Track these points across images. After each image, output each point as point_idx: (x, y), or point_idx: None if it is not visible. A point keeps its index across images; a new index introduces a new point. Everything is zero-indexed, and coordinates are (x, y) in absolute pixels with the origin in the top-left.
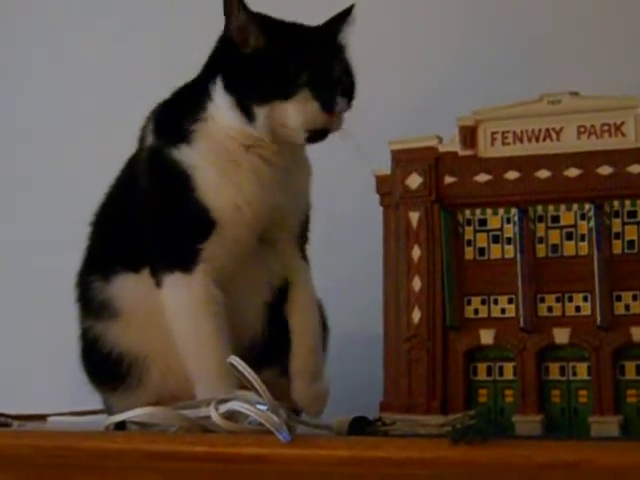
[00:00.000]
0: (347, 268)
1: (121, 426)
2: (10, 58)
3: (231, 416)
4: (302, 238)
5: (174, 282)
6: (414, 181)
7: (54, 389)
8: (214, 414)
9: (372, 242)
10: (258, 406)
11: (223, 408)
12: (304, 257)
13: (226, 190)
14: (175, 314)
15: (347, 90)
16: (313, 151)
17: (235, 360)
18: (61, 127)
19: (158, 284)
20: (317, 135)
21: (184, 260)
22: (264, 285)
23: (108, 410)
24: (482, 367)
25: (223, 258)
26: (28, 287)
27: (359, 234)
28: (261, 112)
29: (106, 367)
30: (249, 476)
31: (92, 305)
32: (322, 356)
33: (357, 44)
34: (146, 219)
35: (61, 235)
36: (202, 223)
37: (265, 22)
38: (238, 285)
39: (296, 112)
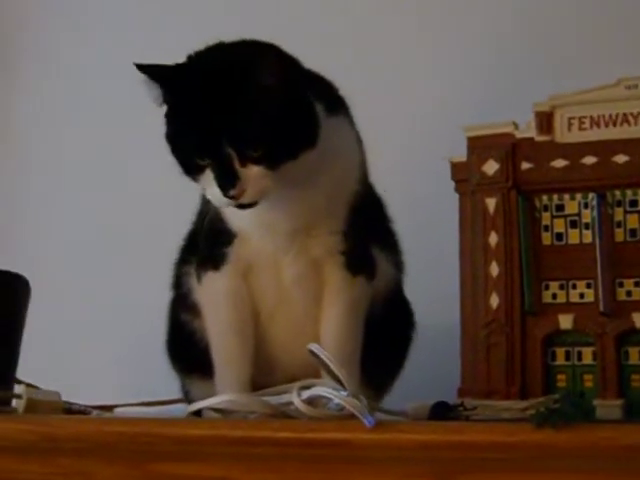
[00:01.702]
0: (420, 256)
1: (197, 414)
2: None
3: (311, 402)
4: (354, 234)
5: (207, 279)
6: (491, 167)
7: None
8: (297, 400)
9: (445, 229)
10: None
11: (305, 394)
12: (356, 260)
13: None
14: (204, 305)
15: (264, 153)
16: (386, 139)
17: (315, 347)
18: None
19: (198, 281)
20: (242, 206)
21: (215, 261)
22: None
23: (186, 396)
24: (560, 352)
25: (247, 259)
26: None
27: (432, 221)
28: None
29: (200, 359)
30: (332, 461)
31: (188, 300)
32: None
33: (433, 29)
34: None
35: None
36: (225, 233)
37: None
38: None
39: (208, 193)
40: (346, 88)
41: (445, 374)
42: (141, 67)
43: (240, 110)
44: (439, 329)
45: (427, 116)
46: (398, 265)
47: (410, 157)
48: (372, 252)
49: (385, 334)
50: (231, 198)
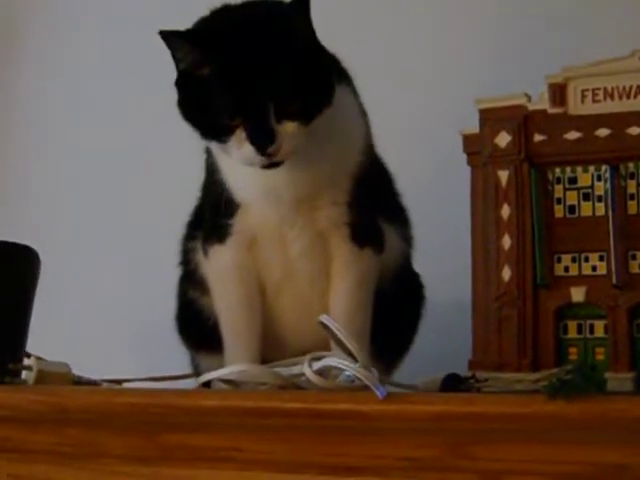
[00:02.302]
0: (432, 229)
1: (207, 387)
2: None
3: (321, 374)
4: (359, 204)
5: (213, 252)
6: (503, 139)
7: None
8: (308, 371)
9: (457, 202)
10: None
11: (317, 365)
12: (363, 229)
13: (243, 175)
14: (211, 279)
15: (301, 107)
16: (397, 111)
17: (326, 319)
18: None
19: (204, 255)
20: (271, 165)
21: (219, 233)
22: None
23: (196, 370)
24: (572, 325)
25: (252, 230)
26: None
27: (444, 194)
28: (216, 148)
29: (209, 335)
30: (344, 432)
31: (195, 276)
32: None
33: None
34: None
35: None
36: (228, 203)
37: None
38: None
39: (236, 154)
40: (356, 62)
41: (455, 349)
42: (171, 34)
43: (280, 62)
44: (449, 303)
45: (438, 89)
46: (407, 239)
47: (421, 130)
48: (379, 225)
49: (395, 308)
50: (268, 156)
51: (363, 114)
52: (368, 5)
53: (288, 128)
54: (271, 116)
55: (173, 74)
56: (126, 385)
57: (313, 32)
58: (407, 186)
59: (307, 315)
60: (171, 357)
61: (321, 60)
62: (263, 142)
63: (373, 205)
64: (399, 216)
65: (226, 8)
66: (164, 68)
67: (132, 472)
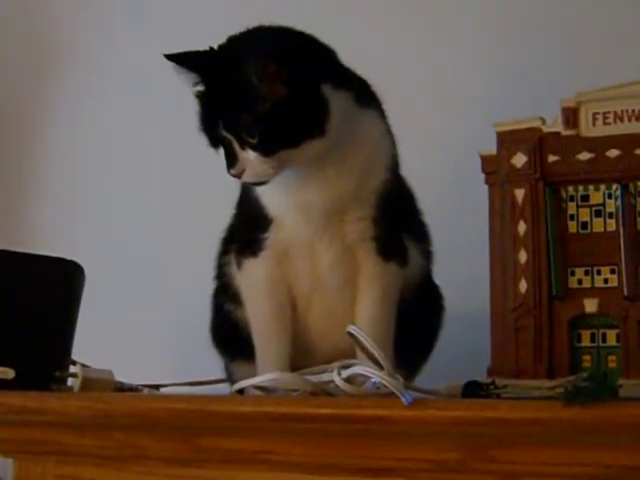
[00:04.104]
0: (451, 244)
1: (241, 393)
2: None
3: (349, 381)
4: (384, 219)
5: (247, 265)
6: (519, 160)
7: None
8: (337, 378)
9: (473, 218)
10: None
11: (345, 373)
12: (387, 243)
13: (276, 192)
14: (244, 291)
15: (259, 142)
16: (420, 134)
17: (354, 329)
18: None
19: (238, 267)
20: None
21: (253, 247)
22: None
23: (230, 377)
24: (586, 334)
25: (284, 244)
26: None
27: (463, 212)
28: None
29: (243, 344)
30: (371, 436)
31: (230, 289)
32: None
33: (462, 28)
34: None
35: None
36: (262, 219)
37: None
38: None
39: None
40: (379, 86)
41: (472, 357)
42: (170, 57)
43: (235, 102)
44: (467, 314)
45: (458, 112)
46: (427, 254)
47: (441, 151)
48: (403, 240)
49: (416, 318)
50: (233, 176)
51: (389, 135)
52: (387, 30)
53: (250, 156)
54: (235, 144)
55: None
56: (163, 390)
57: (282, 78)
58: (430, 204)
59: (335, 324)
60: (205, 362)
61: (292, 103)
62: (227, 163)
63: (397, 221)
64: (421, 233)
65: (231, 37)
66: None
67: (171, 473)
